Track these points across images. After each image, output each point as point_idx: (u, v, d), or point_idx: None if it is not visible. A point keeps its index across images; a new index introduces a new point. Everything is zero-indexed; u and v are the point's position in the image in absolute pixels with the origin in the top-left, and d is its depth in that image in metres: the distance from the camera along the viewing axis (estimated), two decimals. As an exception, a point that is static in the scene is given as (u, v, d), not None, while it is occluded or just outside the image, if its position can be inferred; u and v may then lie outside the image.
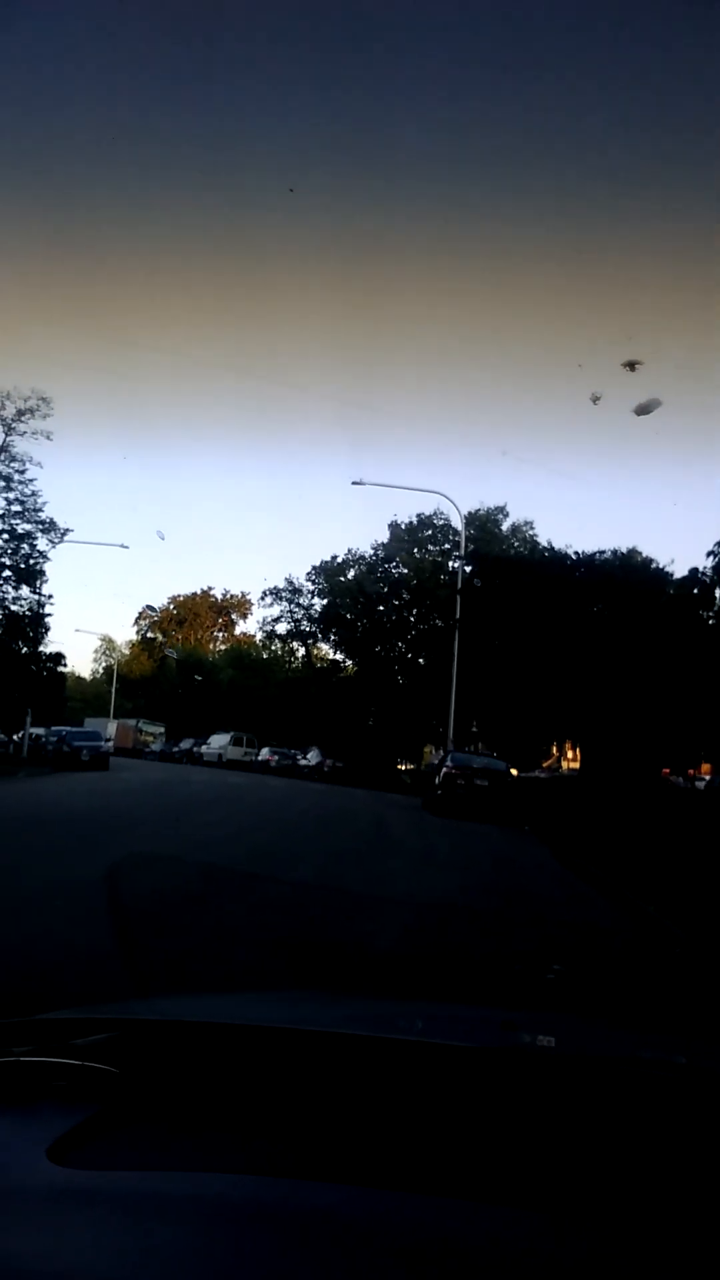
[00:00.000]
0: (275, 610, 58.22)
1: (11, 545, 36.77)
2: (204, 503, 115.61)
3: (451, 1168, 1.35)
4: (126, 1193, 1.25)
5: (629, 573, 30.73)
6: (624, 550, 32.51)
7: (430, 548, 49.13)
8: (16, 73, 31.44)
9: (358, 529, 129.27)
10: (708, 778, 35.49)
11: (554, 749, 44.95)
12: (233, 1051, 1.67)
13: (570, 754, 43.62)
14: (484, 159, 36.11)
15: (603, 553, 31.68)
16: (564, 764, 44.93)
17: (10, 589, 37.19)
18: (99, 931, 6.16)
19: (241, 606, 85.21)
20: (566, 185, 35.75)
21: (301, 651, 62.77)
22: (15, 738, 40.16)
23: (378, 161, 36.73)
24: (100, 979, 5.03)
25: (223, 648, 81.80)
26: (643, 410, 11.79)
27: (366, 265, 48.09)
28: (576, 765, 39.21)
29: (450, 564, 43.82)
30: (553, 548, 33.86)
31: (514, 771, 29.20)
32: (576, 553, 31.86)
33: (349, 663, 54.11)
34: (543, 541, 39.68)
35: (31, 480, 36.42)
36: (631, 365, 11.46)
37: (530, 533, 46.96)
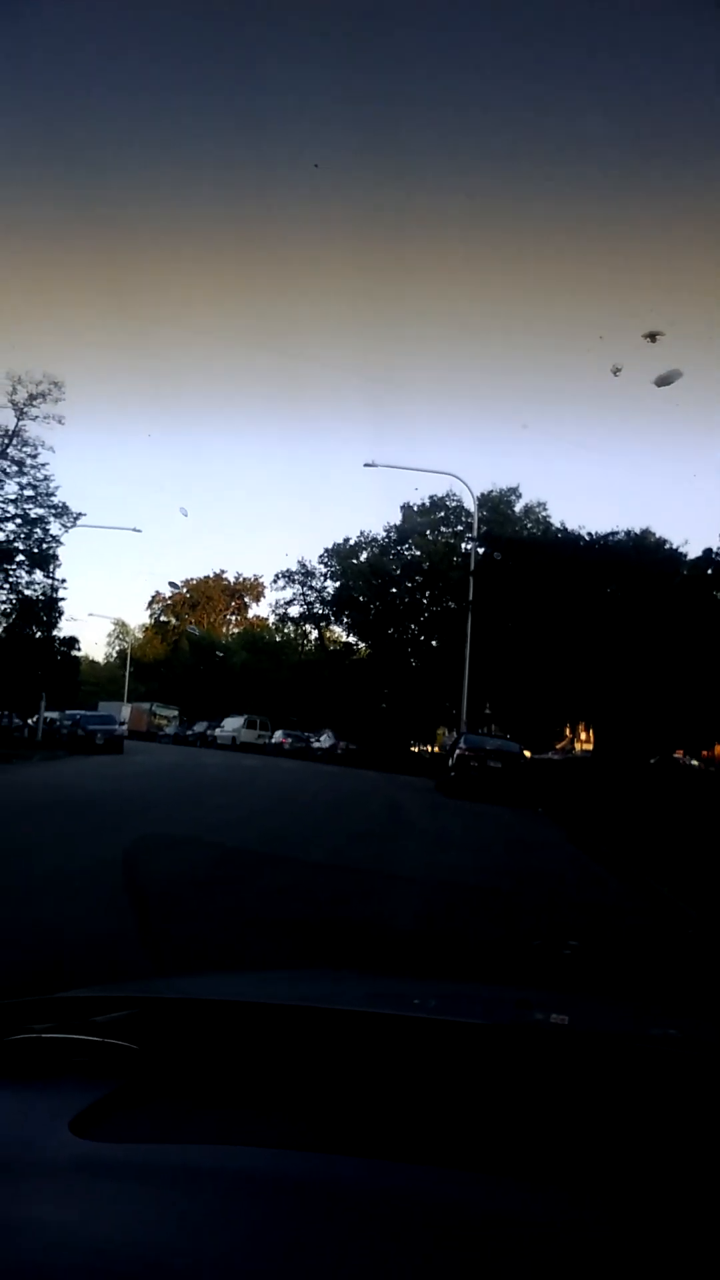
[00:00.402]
0: (288, 593, 58.13)
1: (24, 530, 36.86)
2: (216, 487, 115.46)
3: (467, 1142, 1.37)
4: (148, 1164, 1.27)
5: (642, 553, 30.57)
6: (637, 531, 32.33)
7: (443, 529, 48.96)
8: (35, 48, 31.27)
9: (370, 511, 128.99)
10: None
11: (567, 731, 44.92)
12: (250, 1029, 1.69)
13: (583, 736, 43.58)
14: (505, 132, 35.80)
15: (616, 533, 31.53)
16: (577, 746, 44.91)
17: (24, 573, 37.33)
18: (116, 913, 6.20)
19: (254, 589, 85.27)
20: (588, 157, 35.41)
21: (314, 634, 62.75)
22: (30, 721, 40.36)
23: (400, 137, 36.49)
24: (118, 959, 5.07)
25: (235, 631, 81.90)
26: (663, 381, 11.68)
27: (387, 241, 47.79)
28: (590, 747, 39.16)
29: (463, 546, 43.67)
30: (566, 529, 33.75)
31: (527, 753, 29.24)
32: (590, 534, 31.74)
33: (362, 645, 54.07)
34: (556, 523, 39.56)
35: (44, 465, 36.48)
36: (652, 336, 11.36)
37: (543, 514, 46.76)
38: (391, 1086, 1.53)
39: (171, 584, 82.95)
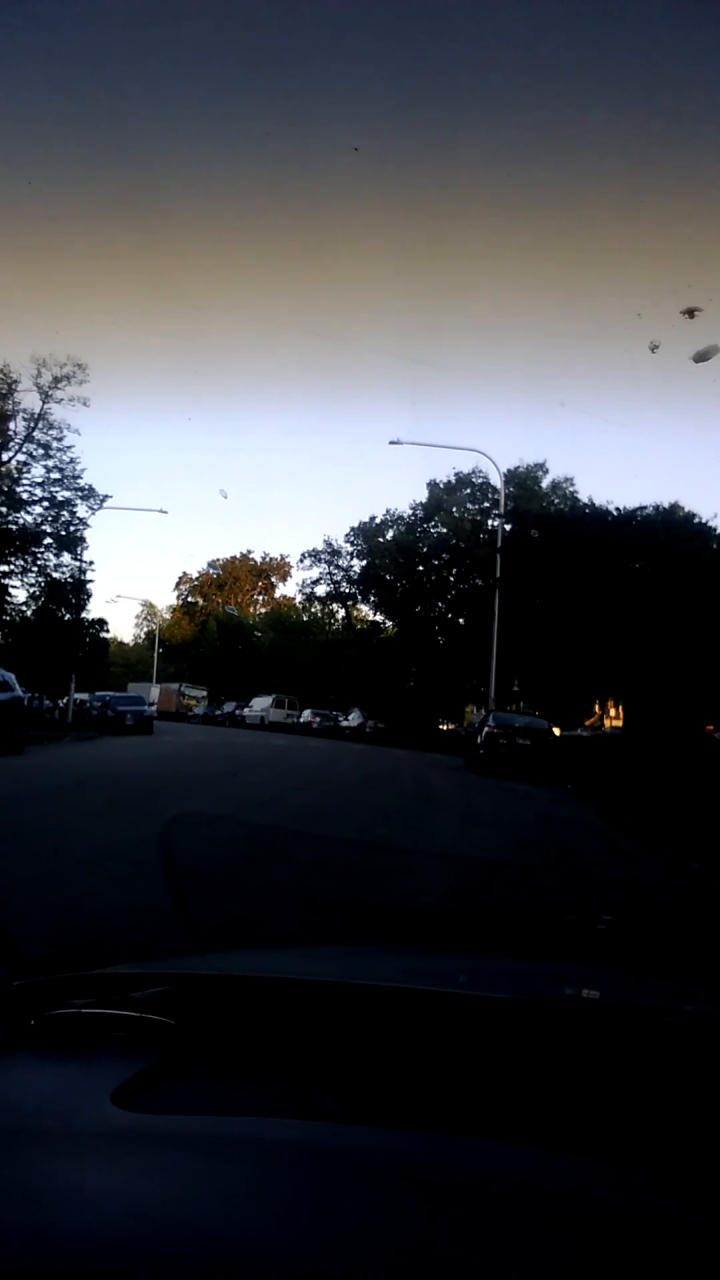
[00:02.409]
0: (314, 572, 58.24)
1: (52, 513, 37.10)
2: (243, 467, 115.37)
3: (504, 1116, 1.38)
4: (188, 1135, 1.29)
5: (671, 528, 30.28)
6: (666, 505, 32.02)
7: (469, 506, 48.71)
8: (77, 30, 31.28)
9: (396, 489, 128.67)
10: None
11: (596, 707, 44.73)
12: (286, 1004, 1.71)
13: (613, 712, 43.40)
14: (543, 111, 35.52)
15: (644, 508, 31.24)
16: (607, 722, 44.73)
17: (52, 556, 37.57)
18: (152, 890, 6.27)
19: (281, 569, 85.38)
20: (627, 134, 35.01)
21: (341, 613, 62.78)
22: (60, 703, 40.71)
23: (438, 118, 36.34)
24: (154, 935, 5.14)
25: (263, 611, 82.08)
26: (701, 357, 11.61)
27: (423, 221, 47.63)
28: (619, 723, 39.01)
29: (490, 522, 43.46)
30: (593, 504, 33.45)
31: (556, 730, 29.14)
32: (618, 509, 31.48)
33: (389, 624, 54.03)
34: (583, 498, 39.23)
35: (70, 447, 36.63)
36: (691, 313, 11.26)
37: (570, 489, 46.32)
38: (426, 1061, 1.55)
39: (210, 564, 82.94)
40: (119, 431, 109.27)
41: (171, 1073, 1.51)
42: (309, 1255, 1.02)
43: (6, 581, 37.30)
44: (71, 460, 36.67)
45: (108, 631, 43.49)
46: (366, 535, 53.10)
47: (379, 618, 55.81)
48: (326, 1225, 1.07)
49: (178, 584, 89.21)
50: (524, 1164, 1.23)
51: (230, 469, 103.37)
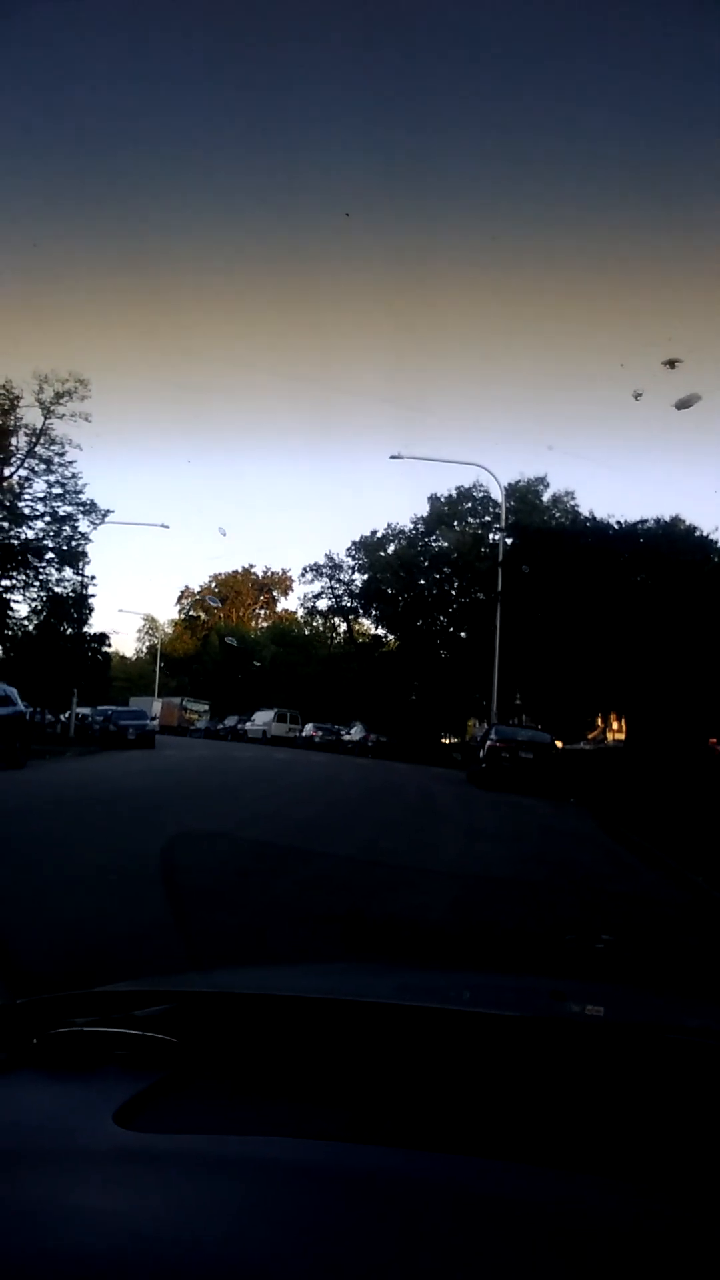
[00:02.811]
0: (316, 586, 58.41)
1: (54, 528, 37.12)
2: (245, 483, 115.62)
3: (505, 1134, 1.38)
4: (190, 1154, 1.29)
5: (672, 541, 30.31)
6: (667, 519, 32.06)
7: (470, 520, 48.79)
8: (81, 91, 32.21)
9: (397, 504, 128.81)
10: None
11: (599, 720, 44.68)
12: (288, 1022, 1.71)
13: (615, 725, 43.34)
14: (528, 174, 36.87)
15: (645, 521, 31.27)
16: (609, 735, 44.66)
17: (54, 571, 37.59)
18: (152, 906, 6.26)
19: (282, 583, 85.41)
20: (609, 195, 36.23)
21: (343, 627, 62.83)
22: (62, 718, 40.69)
23: (427, 181, 38.23)
24: (155, 951, 5.13)
25: (265, 625, 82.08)
26: (683, 405, 11.96)
27: (414, 278, 50.49)
28: (622, 737, 38.94)
29: (491, 536, 43.52)
30: (594, 518, 33.46)
31: (559, 744, 29.11)
32: (619, 522, 31.49)
33: (390, 637, 54.04)
34: (584, 512, 39.28)
35: (71, 462, 36.70)
36: (672, 363, 11.56)
37: (571, 503, 46.42)
38: (427, 1078, 1.55)
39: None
40: (121, 447, 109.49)
41: (173, 1091, 1.50)
42: (310, 1274, 1.02)
43: (8, 596, 37.35)
44: (73, 475, 36.77)
45: (110, 646, 43.54)
46: (368, 549, 53.18)
47: (380, 631, 55.91)
48: (328, 1244, 1.07)
49: (180, 598, 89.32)
50: (525, 1182, 1.23)
51: (231, 485, 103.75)
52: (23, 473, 36.98)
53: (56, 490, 36.76)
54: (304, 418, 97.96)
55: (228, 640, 67.58)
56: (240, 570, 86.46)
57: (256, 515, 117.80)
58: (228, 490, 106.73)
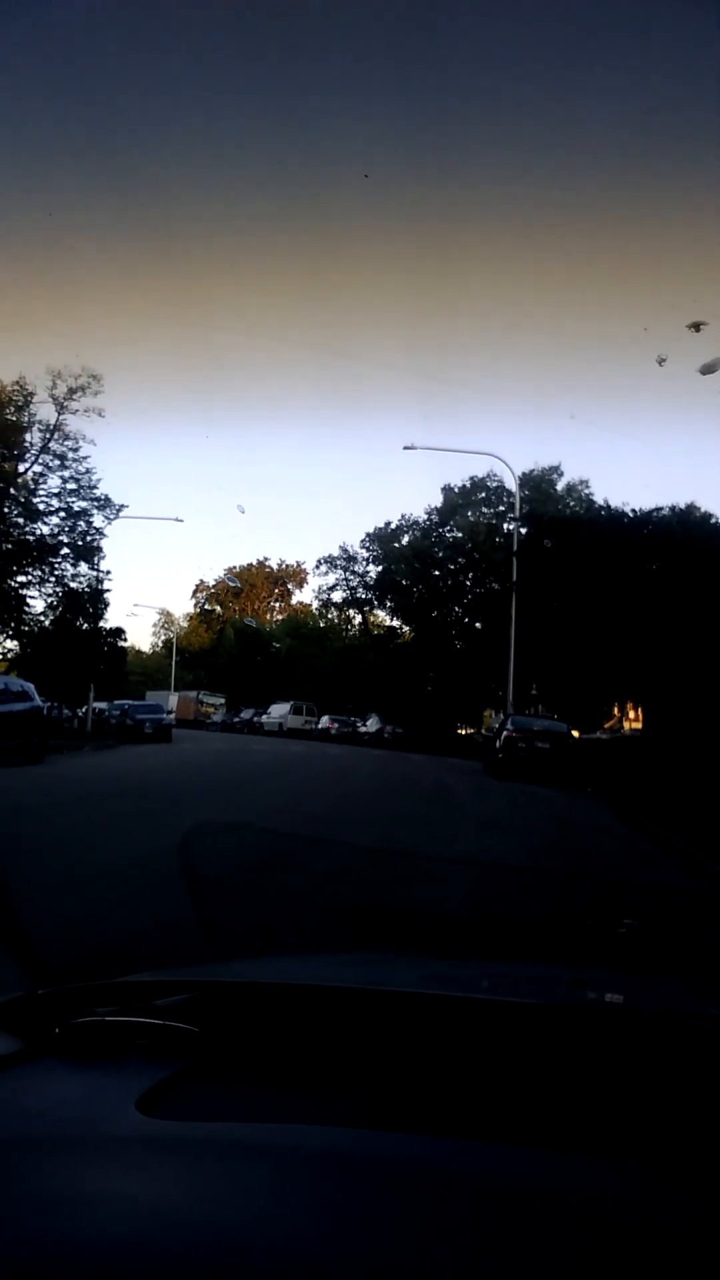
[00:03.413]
0: (330, 579, 58.21)
1: (68, 523, 37.23)
2: (258, 475, 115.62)
3: (527, 1121, 1.38)
4: (213, 1141, 1.30)
5: (687, 528, 30.18)
6: (682, 506, 31.93)
7: (484, 510, 48.65)
8: (91, 60, 32.05)
9: (411, 495, 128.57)
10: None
11: (615, 710, 44.55)
12: (309, 1011, 1.72)
13: (632, 714, 43.20)
14: (548, 134, 36.44)
15: (660, 509, 31.16)
16: (626, 725, 44.54)
17: (69, 566, 37.70)
18: (171, 898, 6.29)
19: (297, 576, 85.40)
20: (631, 155, 35.52)
21: (358, 619, 62.80)
22: (79, 712, 40.86)
23: (446, 145, 37.31)
24: (175, 942, 5.15)
25: (280, 618, 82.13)
26: (708, 369, 11.78)
27: (434, 242, 49.13)
28: (638, 726, 38.83)
29: (505, 526, 43.40)
30: (609, 506, 33.39)
31: (575, 733, 29.06)
32: (634, 510, 31.40)
33: (406, 629, 53.99)
34: (599, 500, 39.14)
35: (85, 457, 36.77)
36: (697, 326, 11.40)
37: (586, 491, 46.17)
38: (448, 1066, 1.55)
39: (230, 581, 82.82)
40: (135, 441, 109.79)
41: (195, 1080, 1.51)
42: (333, 1261, 1.02)
43: (24, 592, 37.50)
44: (87, 471, 36.82)
45: (125, 640, 43.64)
46: (382, 541, 53.12)
47: (396, 623, 55.82)
48: (350, 1231, 1.08)
49: (195, 591, 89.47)
50: (547, 1169, 1.23)
51: (245, 477, 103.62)
52: (37, 469, 37.12)
53: (71, 486, 36.89)
54: (319, 408, 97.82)
55: (247, 623, 67.47)
56: (255, 563, 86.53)
57: (272, 509, 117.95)
58: (242, 484, 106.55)
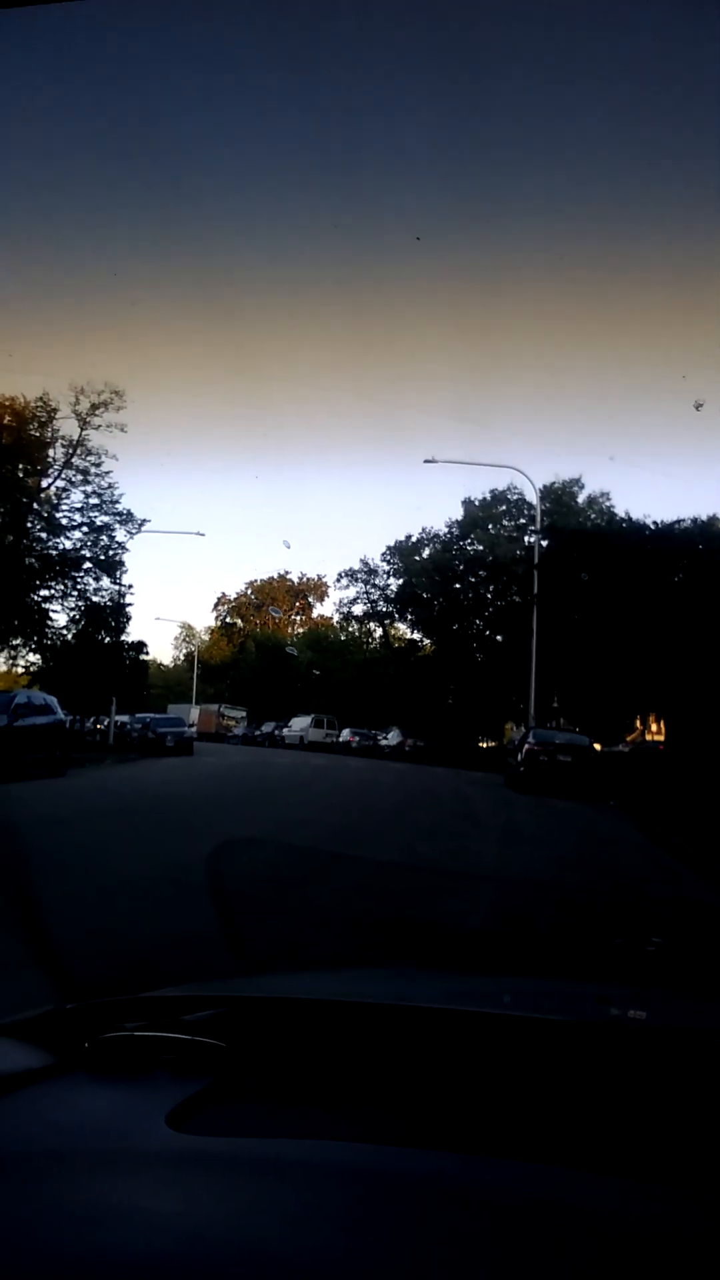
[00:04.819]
0: (351, 592, 58.26)
1: (91, 538, 37.54)
2: (281, 490, 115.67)
3: (554, 1139, 1.38)
4: (243, 1157, 1.31)
5: (710, 540, 30.05)
6: (704, 518, 31.79)
7: (505, 523, 48.60)
8: (154, 110, 33.43)
9: (431, 508, 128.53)
10: None
11: (638, 722, 44.28)
12: (337, 1026, 1.72)
13: (654, 727, 42.94)
14: (591, 189, 38.14)
15: (681, 521, 31.06)
16: (648, 737, 44.27)
17: (91, 580, 37.99)
18: (197, 912, 6.29)
19: (318, 589, 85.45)
20: (671, 211, 36.85)
21: (379, 632, 62.77)
22: (101, 725, 41.01)
23: (494, 200, 39.33)
24: (200, 956, 5.16)
25: (301, 631, 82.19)
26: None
27: (480, 292, 50.88)
28: (661, 739, 38.59)
29: (526, 538, 43.34)
30: (630, 518, 33.30)
31: (597, 746, 28.89)
32: (655, 522, 31.30)
33: (426, 642, 53.91)
34: (620, 513, 39.03)
35: (108, 473, 37.06)
36: None
37: (607, 504, 46.05)
38: (475, 1083, 1.55)
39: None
40: (156, 454, 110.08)
41: (224, 1095, 1.52)
42: (362, 1276, 1.03)
43: (47, 606, 37.81)
44: (110, 486, 37.14)
45: (147, 654, 43.84)
46: (402, 554, 53.12)
47: (416, 636, 55.77)
48: (380, 1247, 1.08)
49: (216, 605, 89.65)
50: (574, 1188, 1.23)
51: (267, 494, 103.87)
52: (60, 484, 37.44)
53: (93, 501, 37.20)
54: (351, 428, 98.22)
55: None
56: (276, 576, 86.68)
57: (293, 522, 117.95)
58: (264, 500, 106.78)
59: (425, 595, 50.75)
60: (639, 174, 36.81)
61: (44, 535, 37.10)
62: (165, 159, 37.13)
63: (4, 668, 41.29)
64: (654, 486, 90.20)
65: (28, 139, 33.80)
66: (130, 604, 39.40)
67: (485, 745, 48.10)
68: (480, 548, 48.36)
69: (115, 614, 38.58)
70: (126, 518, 37.56)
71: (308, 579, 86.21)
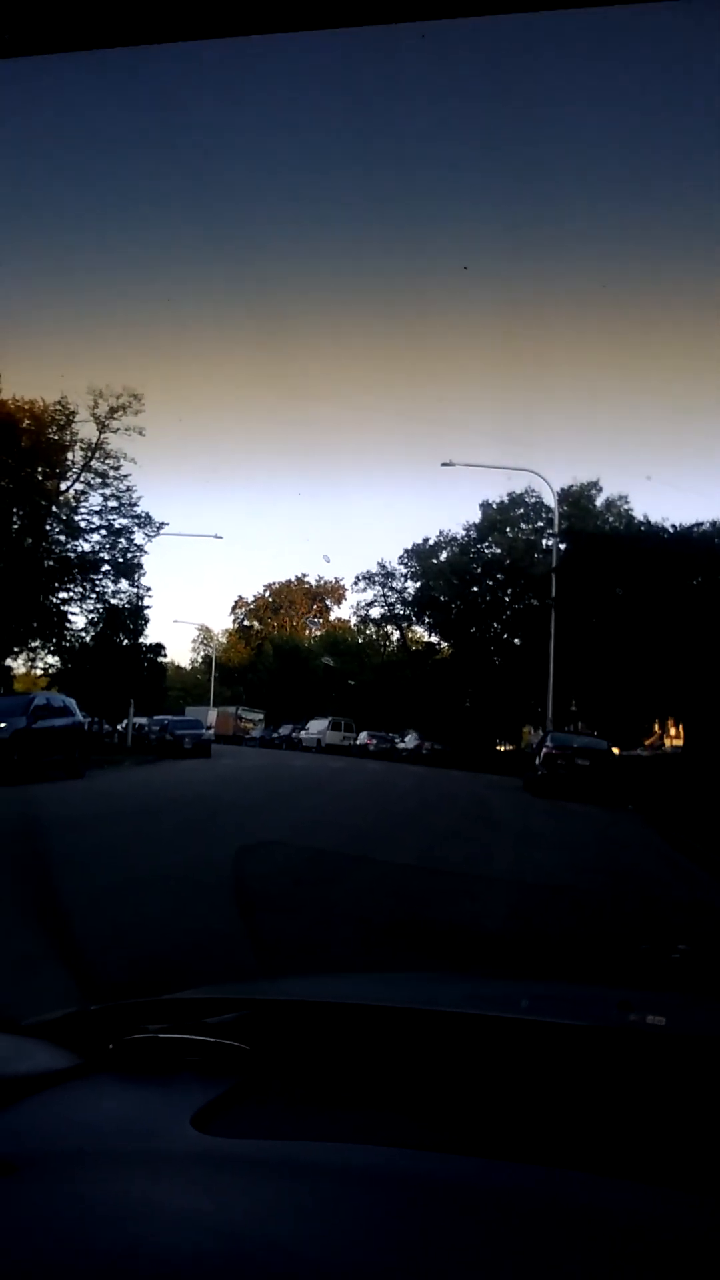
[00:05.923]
0: (369, 595, 58.36)
1: (109, 540, 37.68)
2: (298, 493, 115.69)
3: (577, 1143, 1.38)
4: (268, 1159, 1.31)
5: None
6: (723, 521, 31.61)
7: (523, 526, 48.52)
8: (209, 149, 34.49)
9: (449, 511, 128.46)
10: None
11: (656, 726, 44.07)
12: (357, 1030, 1.72)
13: (673, 731, 42.74)
14: (634, 221, 39.56)
15: (700, 524, 30.93)
16: (667, 741, 44.05)
17: (110, 583, 38.15)
18: (216, 915, 6.31)
19: (335, 592, 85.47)
20: (713, 238, 37.47)
21: (396, 635, 62.77)
22: (119, 727, 41.16)
23: (541, 234, 40.69)
24: (222, 959, 5.17)
25: (318, 634, 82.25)
26: None
27: (525, 317, 51.99)
28: (680, 743, 38.42)
29: (544, 542, 43.26)
30: (649, 521, 33.18)
31: (615, 750, 28.79)
32: (674, 525, 31.18)
33: (444, 645, 53.85)
34: (638, 516, 38.89)
35: (126, 475, 37.21)
36: None
37: (625, 507, 45.89)
38: (496, 1087, 1.55)
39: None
40: (174, 458, 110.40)
41: (248, 1097, 1.53)
42: (383, 1278, 1.03)
43: (66, 608, 37.99)
44: (128, 489, 37.27)
45: (165, 656, 43.99)
46: (420, 557, 53.09)
47: (434, 639, 55.72)
48: (404, 1250, 1.08)
49: (234, 608, 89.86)
50: (595, 1193, 1.23)
51: (285, 497, 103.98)
52: (79, 487, 37.62)
53: (112, 504, 37.35)
54: (371, 433, 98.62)
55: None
56: (294, 580, 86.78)
57: (310, 525, 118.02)
58: (282, 502, 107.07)
59: (443, 598, 50.70)
60: (678, 200, 37.46)
61: (63, 538, 37.30)
62: (213, 179, 38.22)
63: (23, 670, 41.48)
64: (675, 489, 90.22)
65: (71, 154, 34.70)
66: (148, 606, 39.63)
67: (503, 749, 47.97)
68: (498, 551, 48.29)
69: (133, 616, 38.74)
70: (145, 520, 37.74)
71: (325, 582, 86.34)
